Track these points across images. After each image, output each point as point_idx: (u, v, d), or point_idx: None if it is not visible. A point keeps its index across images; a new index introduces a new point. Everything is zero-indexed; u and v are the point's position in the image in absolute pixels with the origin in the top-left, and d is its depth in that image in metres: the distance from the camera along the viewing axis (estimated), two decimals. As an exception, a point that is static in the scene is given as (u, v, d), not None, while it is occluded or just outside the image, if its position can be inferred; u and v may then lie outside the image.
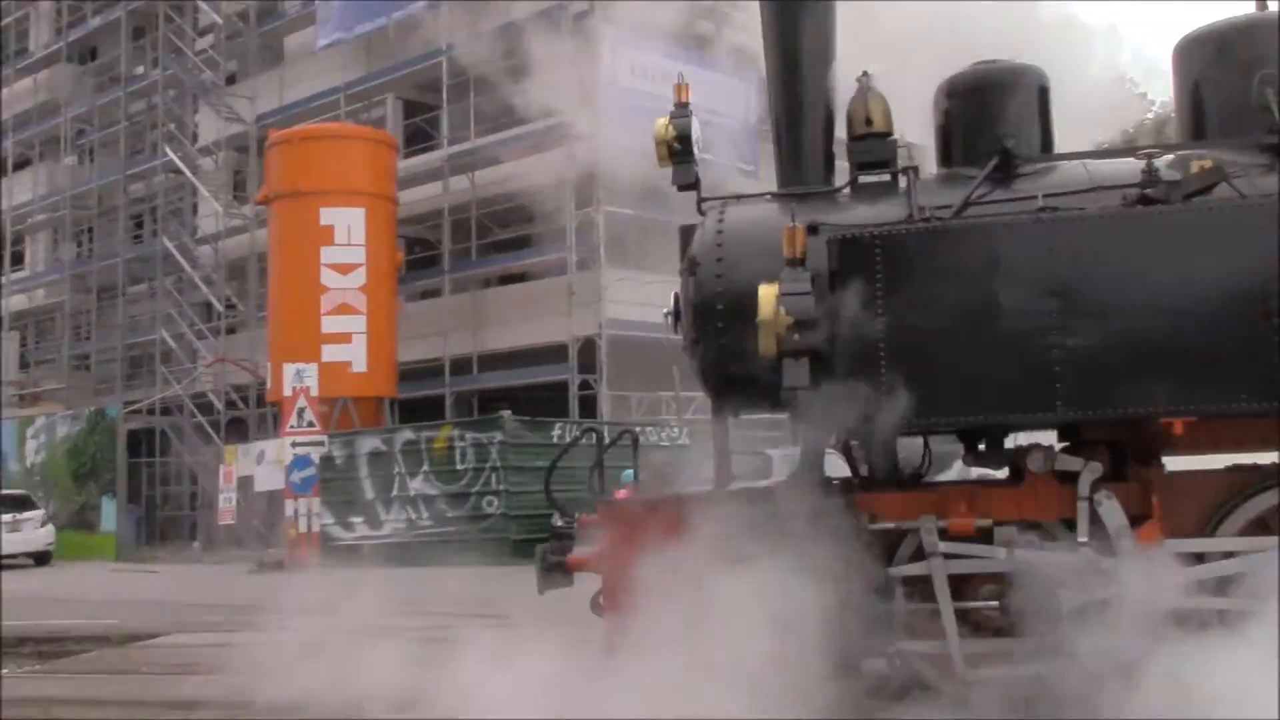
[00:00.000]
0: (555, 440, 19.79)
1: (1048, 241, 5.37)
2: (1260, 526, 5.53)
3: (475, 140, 25.96)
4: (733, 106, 22.89)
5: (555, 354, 24.23)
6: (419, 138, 29.41)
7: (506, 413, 21.10)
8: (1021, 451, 5.75)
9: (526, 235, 26.13)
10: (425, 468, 21.22)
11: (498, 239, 27.05)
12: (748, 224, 6.44)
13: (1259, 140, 5.96)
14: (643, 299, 22.10)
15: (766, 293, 5.62)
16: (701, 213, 6.75)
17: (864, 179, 6.54)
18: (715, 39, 24.23)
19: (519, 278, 27.22)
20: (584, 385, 24.02)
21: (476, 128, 25.49)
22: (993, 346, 5.38)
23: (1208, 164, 5.76)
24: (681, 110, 6.73)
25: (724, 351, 6.23)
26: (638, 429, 8.44)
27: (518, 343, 25.16)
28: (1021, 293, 5.36)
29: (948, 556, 5.63)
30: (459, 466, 20.79)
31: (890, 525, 5.78)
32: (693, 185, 6.72)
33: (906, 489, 5.97)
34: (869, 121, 6.56)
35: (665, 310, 6.87)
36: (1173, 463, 5.80)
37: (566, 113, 21.25)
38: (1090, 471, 5.55)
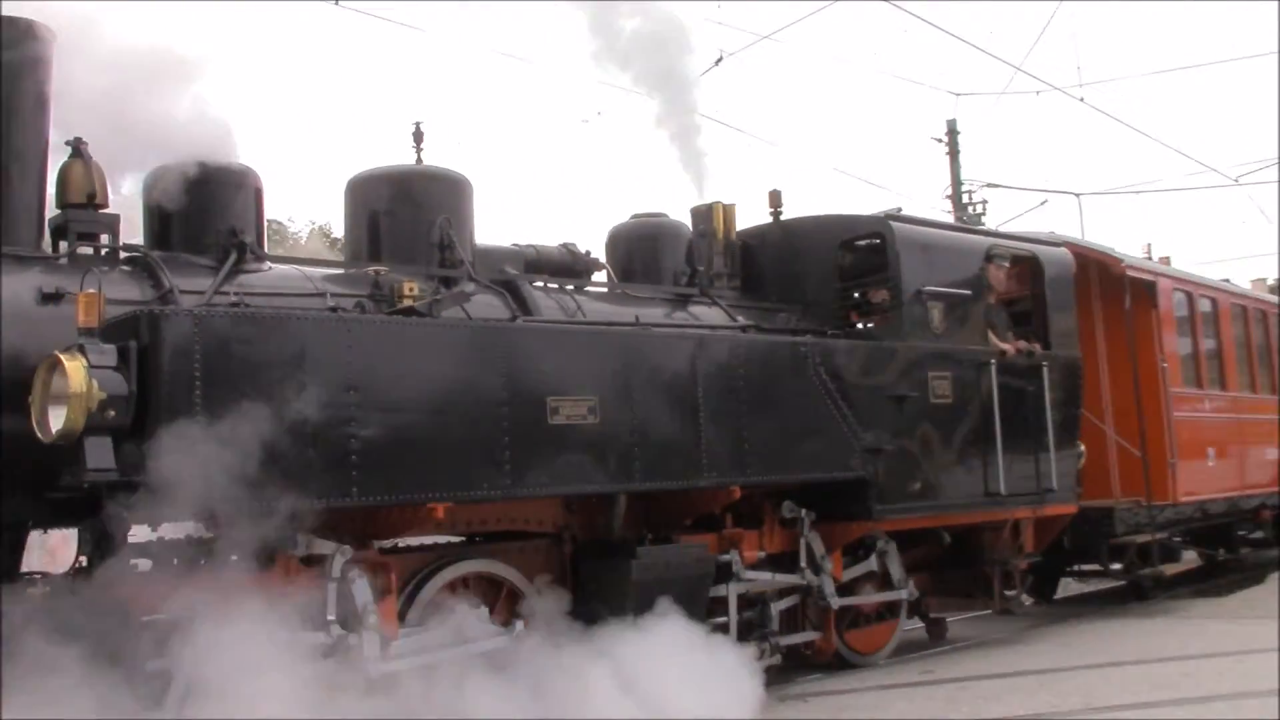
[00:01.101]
0: None
1: (348, 339, 5.83)
2: (451, 589, 6.55)
3: None
4: None
5: None
6: None
7: None
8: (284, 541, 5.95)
9: None
10: None
11: None
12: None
13: (431, 270, 7.13)
14: None
15: (75, 365, 5.08)
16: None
17: (82, 250, 6.14)
18: None
19: None
20: None
21: None
22: (298, 432, 5.60)
23: (414, 286, 6.75)
24: None
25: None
26: None
27: None
28: (326, 384, 5.70)
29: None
30: None
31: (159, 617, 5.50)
32: None
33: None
34: (92, 193, 6.20)
35: None
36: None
37: None
38: (342, 554, 6.02)
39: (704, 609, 7.24)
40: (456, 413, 6.14)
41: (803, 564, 8.07)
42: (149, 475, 5.17)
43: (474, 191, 7.61)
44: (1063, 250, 10.22)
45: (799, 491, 8.04)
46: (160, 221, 6.54)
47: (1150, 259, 13.50)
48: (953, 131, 26.21)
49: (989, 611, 9.81)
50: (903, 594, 8.82)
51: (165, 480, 5.16)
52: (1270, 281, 24.28)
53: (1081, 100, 20.96)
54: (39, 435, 5.20)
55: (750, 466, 7.45)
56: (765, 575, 7.85)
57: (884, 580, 8.80)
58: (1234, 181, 24.72)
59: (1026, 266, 9.78)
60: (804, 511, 8.06)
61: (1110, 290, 11.09)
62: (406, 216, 7.29)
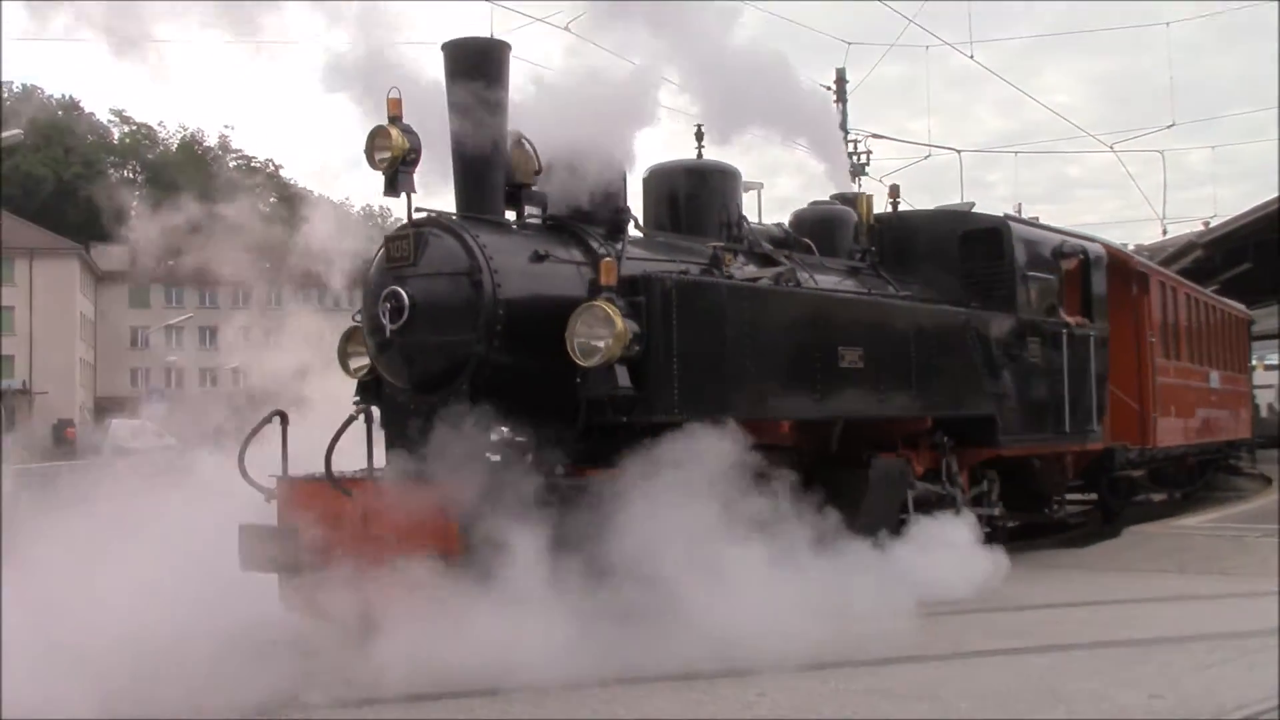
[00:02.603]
0: None
1: (744, 299, 8.11)
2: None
3: None
4: None
5: None
6: None
7: None
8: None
9: None
10: None
11: None
12: (502, 243, 7.61)
13: (725, 245, 9.32)
14: None
15: (615, 311, 7.20)
16: (412, 221, 7.60)
17: (534, 220, 8.19)
18: None
19: None
20: None
21: None
22: (720, 365, 7.86)
23: (731, 259, 8.97)
24: (407, 125, 7.53)
25: (499, 351, 7.35)
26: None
27: None
28: (732, 331, 7.96)
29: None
30: None
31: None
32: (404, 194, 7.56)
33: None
34: (537, 171, 8.21)
35: (386, 303, 7.44)
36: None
37: None
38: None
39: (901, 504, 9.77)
40: (795, 355, 8.48)
41: (944, 478, 10.66)
42: (650, 391, 7.38)
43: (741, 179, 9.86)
44: (1100, 247, 13.07)
45: (941, 424, 10.60)
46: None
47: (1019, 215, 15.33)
48: (841, 80, 26.97)
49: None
50: (995, 511, 11.51)
51: (659, 395, 7.39)
52: (1131, 248, 27.95)
53: (971, 58, 22.70)
54: (578, 361, 7.29)
55: (936, 403, 10.00)
56: (926, 486, 10.42)
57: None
58: (1109, 149, 27.80)
59: (1078, 259, 12.53)
60: (947, 439, 10.65)
61: (1115, 278, 14.00)
62: (701, 199, 9.50)
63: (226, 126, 79.99)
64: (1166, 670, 6.43)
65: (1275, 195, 22.10)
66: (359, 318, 8.11)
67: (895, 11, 39.31)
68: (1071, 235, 13.00)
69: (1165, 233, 30.18)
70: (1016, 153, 59.62)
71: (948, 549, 9.08)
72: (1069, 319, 12.03)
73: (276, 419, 7.68)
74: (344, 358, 8.58)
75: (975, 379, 10.55)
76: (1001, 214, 12.05)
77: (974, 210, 12.54)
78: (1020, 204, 29.22)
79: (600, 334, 7.25)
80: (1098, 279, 12.72)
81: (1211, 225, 25.90)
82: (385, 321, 7.47)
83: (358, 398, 8.38)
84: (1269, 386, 27.34)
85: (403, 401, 7.76)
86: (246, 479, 7.50)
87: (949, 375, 10.22)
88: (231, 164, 63.03)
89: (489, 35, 8.09)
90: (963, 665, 6.74)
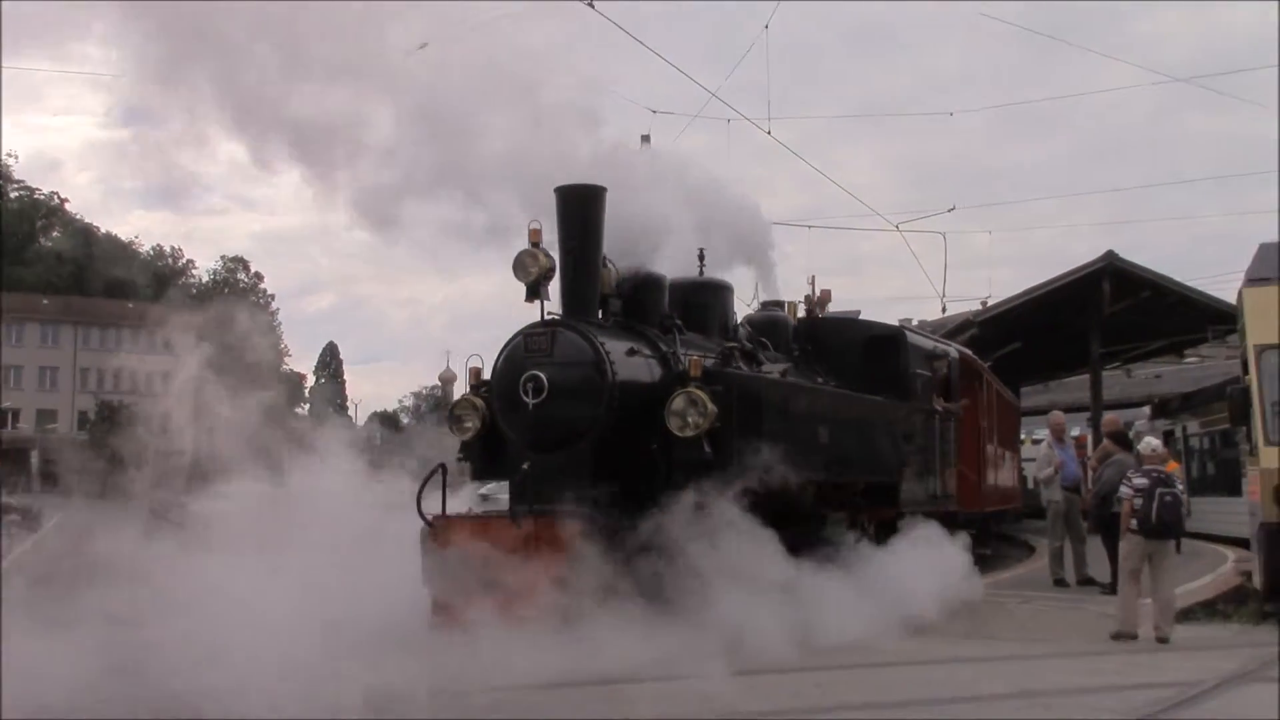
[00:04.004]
0: None
1: (781, 390, 10.87)
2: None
3: None
4: None
5: None
6: None
7: None
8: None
9: None
10: None
11: None
12: (608, 340, 10.10)
13: (723, 343, 12.05)
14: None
15: (706, 396, 9.81)
16: (545, 321, 10.04)
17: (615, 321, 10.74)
18: None
19: None
20: None
21: None
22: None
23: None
24: (544, 249, 10.02)
25: (609, 423, 9.83)
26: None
27: None
28: (777, 413, 10.69)
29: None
30: None
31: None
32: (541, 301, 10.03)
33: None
34: (618, 285, 10.74)
35: (527, 384, 9.78)
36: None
37: None
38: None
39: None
40: (797, 433, 11.26)
41: (861, 529, 13.61)
42: (728, 460, 9.97)
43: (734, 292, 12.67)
44: (955, 351, 16.56)
45: (867, 489, 13.54)
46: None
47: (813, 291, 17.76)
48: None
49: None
50: None
51: (734, 463, 10.02)
52: (915, 323, 30.14)
53: (769, 134, 21.39)
54: (677, 432, 9.82)
55: (869, 471, 13.00)
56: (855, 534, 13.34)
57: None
58: (895, 228, 27.68)
59: (947, 360, 15.92)
60: (862, 500, 13.65)
61: (963, 375, 17.50)
62: (708, 306, 12.22)
63: (9, 155, 76.42)
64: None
65: (1043, 280, 24.58)
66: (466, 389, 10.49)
67: (698, 84, 42.15)
68: (939, 341, 16.45)
69: (945, 310, 30.64)
70: (811, 227, 64.38)
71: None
72: (938, 408, 15.35)
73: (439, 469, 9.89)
74: (456, 420, 10.79)
75: (887, 453, 13.62)
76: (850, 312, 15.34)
77: (854, 313, 15.76)
78: (814, 275, 30.58)
79: (694, 413, 9.83)
80: (955, 376, 16.16)
81: (988, 305, 27.52)
82: (527, 398, 9.82)
83: (461, 454, 10.68)
84: (1033, 460, 31.59)
85: (529, 458, 10.09)
86: (421, 516, 9.64)
87: (873, 450, 13.26)
88: (13, 194, 61.09)
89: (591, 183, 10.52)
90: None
